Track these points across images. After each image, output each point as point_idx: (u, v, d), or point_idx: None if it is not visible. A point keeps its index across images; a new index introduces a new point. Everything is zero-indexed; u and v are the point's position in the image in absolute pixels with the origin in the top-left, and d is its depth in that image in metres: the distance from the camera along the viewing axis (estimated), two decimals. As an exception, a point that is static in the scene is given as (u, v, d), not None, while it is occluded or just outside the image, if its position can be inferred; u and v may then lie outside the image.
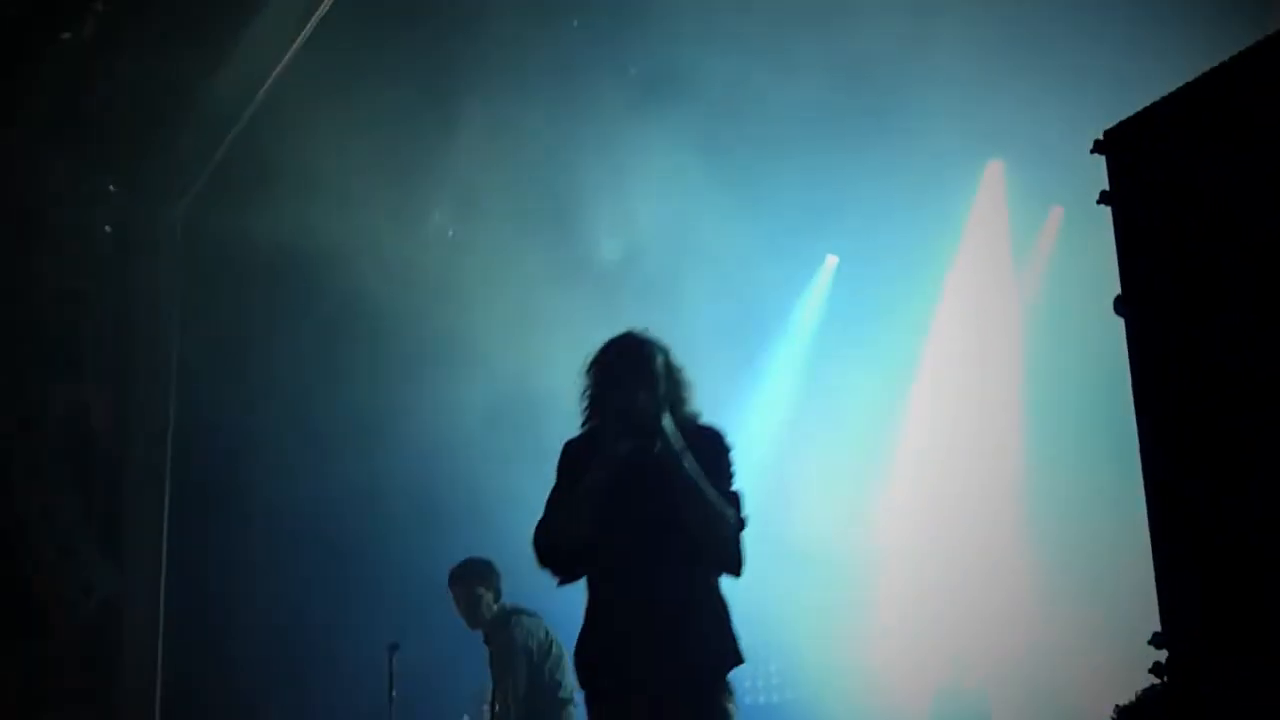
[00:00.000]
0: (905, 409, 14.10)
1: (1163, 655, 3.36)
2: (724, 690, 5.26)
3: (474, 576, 9.12)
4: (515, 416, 11.59)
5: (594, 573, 5.40)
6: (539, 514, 5.48)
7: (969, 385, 13.96)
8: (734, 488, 5.42)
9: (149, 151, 11.13)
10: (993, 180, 13.59)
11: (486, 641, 9.07)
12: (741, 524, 5.33)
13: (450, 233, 12.78)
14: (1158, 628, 3.37)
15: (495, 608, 9.06)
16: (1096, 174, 3.91)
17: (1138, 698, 4.08)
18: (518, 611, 8.99)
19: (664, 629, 5.18)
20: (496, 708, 8.85)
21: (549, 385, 10.83)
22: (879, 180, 12.41)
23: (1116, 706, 4.06)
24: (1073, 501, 12.39)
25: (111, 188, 11.25)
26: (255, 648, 11.97)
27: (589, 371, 5.55)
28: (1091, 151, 3.78)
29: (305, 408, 11.90)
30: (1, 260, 10.51)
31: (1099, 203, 3.74)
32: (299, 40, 10.28)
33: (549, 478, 5.62)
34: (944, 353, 14.08)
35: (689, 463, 5.22)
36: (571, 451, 5.53)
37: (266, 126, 10.94)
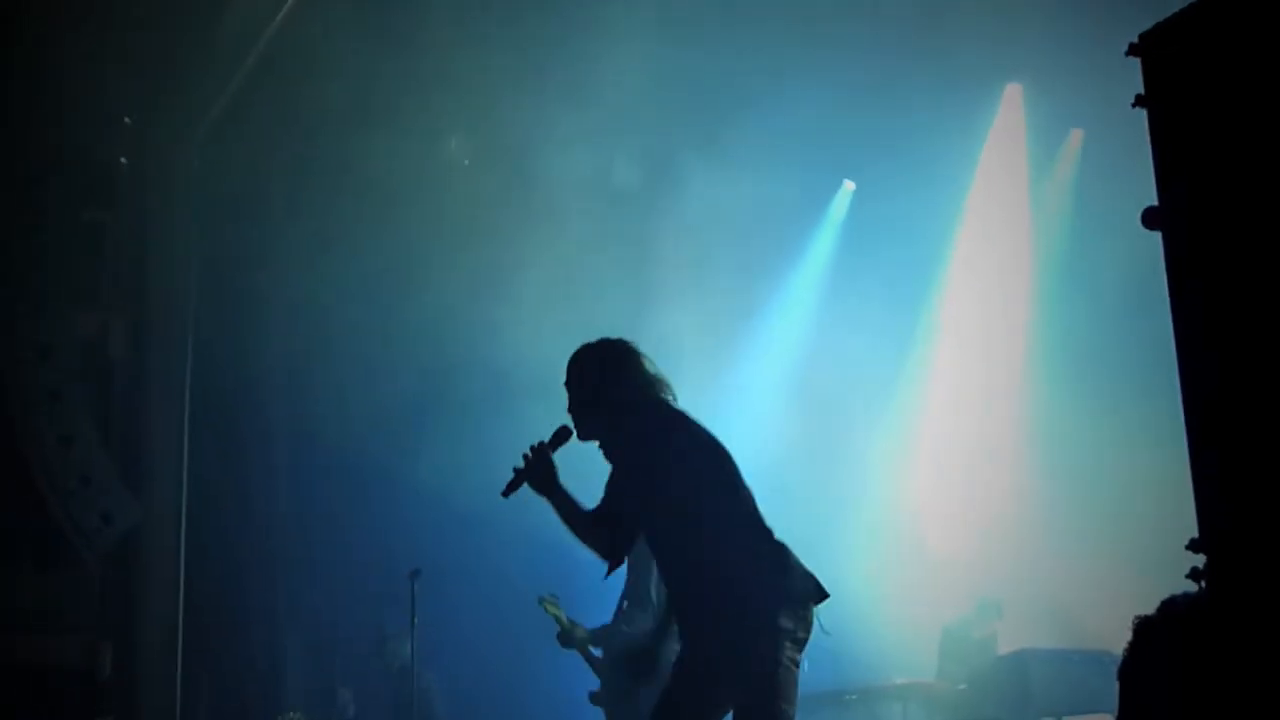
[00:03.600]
0: (924, 336, 14.06)
1: (1199, 560, 3.34)
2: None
3: None
4: (545, 339, 11.59)
5: None
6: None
7: (988, 312, 13.94)
8: (625, 479, 5.81)
9: (164, 84, 11.09)
10: (1011, 103, 13.48)
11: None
12: (607, 524, 5.80)
13: (466, 161, 12.74)
14: (1164, 553, 3.35)
15: None
16: (1118, 95, 3.85)
17: (1159, 609, 4.07)
18: None
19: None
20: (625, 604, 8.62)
21: (577, 305, 10.92)
22: (896, 105, 12.31)
23: (1136, 618, 4.05)
24: (1090, 430, 12.41)
25: (127, 120, 11.21)
26: (275, 575, 12.03)
27: None
28: (1127, 54, 3.71)
29: (323, 331, 11.89)
30: (20, 191, 10.49)
31: (1134, 105, 3.67)
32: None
33: None
34: (962, 279, 14.03)
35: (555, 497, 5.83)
36: None
37: (279, 57, 10.89)
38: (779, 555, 5.62)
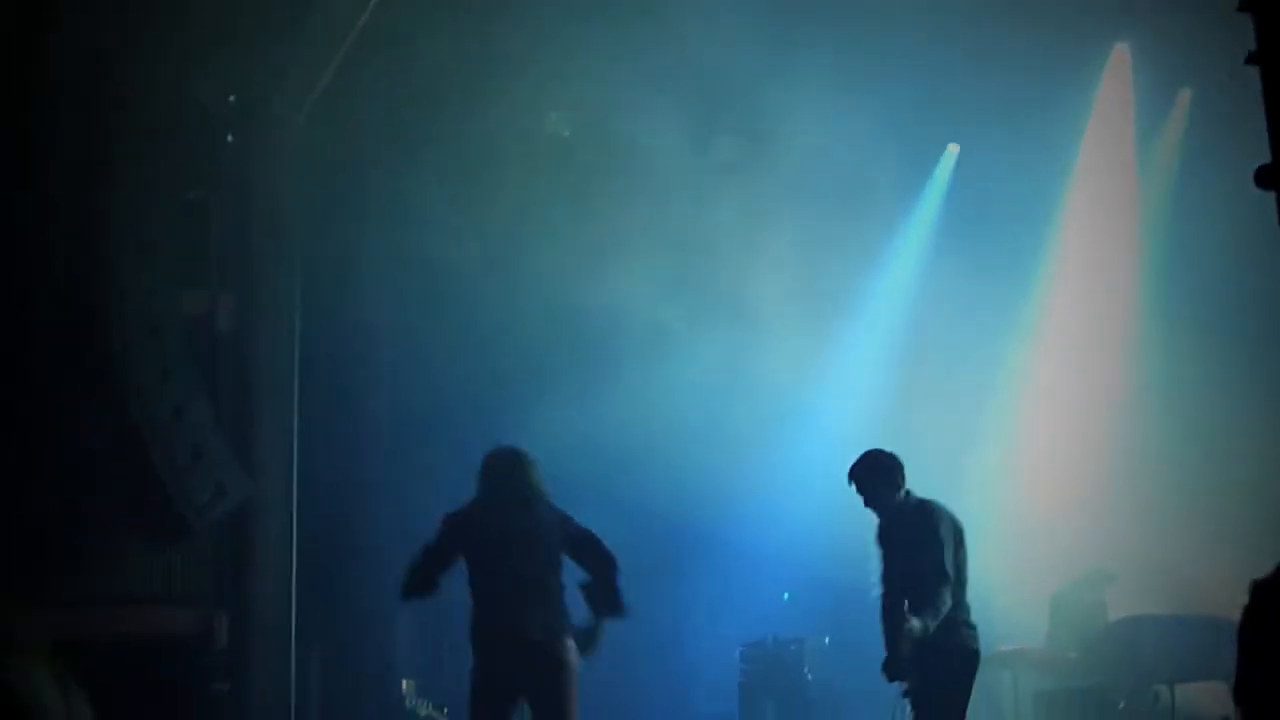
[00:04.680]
0: (1032, 303, 13.89)
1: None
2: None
3: (883, 473, 8.64)
4: (649, 305, 11.61)
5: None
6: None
7: (1096, 276, 13.77)
8: None
9: (269, 62, 11.18)
10: (1118, 64, 13.28)
11: (892, 528, 8.62)
12: None
13: (566, 133, 12.77)
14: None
15: (903, 496, 8.64)
16: (1228, 53, 3.79)
17: (1276, 570, 3.99)
18: (929, 501, 8.71)
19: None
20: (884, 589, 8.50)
21: (681, 270, 10.89)
22: (1003, 67, 12.17)
23: (1253, 582, 3.97)
24: (1201, 394, 12.26)
25: (232, 98, 11.31)
26: (380, 544, 12.12)
27: None
28: (1238, 9, 3.64)
29: (431, 305, 11.97)
30: (127, 172, 10.62)
31: (1246, 63, 3.60)
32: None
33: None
34: (1070, 241, 13.86)
35: None
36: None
37: (381, 34, 10.97)
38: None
